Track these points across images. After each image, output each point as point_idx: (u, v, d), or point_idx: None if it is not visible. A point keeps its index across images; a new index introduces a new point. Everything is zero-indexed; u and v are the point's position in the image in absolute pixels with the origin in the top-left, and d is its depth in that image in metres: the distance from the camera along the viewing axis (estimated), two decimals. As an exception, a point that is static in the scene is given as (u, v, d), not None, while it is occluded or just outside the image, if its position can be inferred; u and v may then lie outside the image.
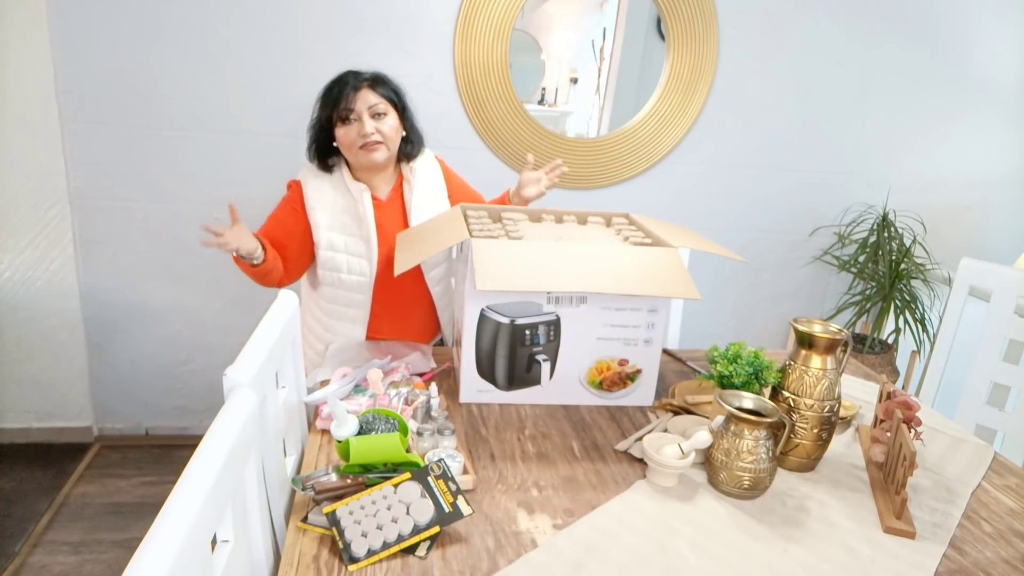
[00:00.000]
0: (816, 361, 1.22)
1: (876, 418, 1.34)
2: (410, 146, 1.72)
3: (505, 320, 1.36)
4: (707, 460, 1.19)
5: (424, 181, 1.75)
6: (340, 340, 1.72)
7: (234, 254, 1.52)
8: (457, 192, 1.82)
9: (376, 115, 1.61)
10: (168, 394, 2.58)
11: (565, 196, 2.59)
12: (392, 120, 1.64)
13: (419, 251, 1.47)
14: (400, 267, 1.41)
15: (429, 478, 1.06)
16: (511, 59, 2.39)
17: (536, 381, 1.43)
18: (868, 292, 2.70)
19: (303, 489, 1.06)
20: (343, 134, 1.61)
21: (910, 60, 2.66)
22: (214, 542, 0.84)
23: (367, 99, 1.60)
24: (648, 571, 0.97)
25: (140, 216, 2.37)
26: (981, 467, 1.34)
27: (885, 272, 2.62)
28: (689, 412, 1.44)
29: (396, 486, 1.05)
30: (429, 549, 0.98)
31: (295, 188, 1.70)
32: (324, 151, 1.68)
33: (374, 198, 1.69)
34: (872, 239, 2.69)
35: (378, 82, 1.64)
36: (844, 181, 2.78)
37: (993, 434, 1.87)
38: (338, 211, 1.66)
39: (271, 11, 2.24)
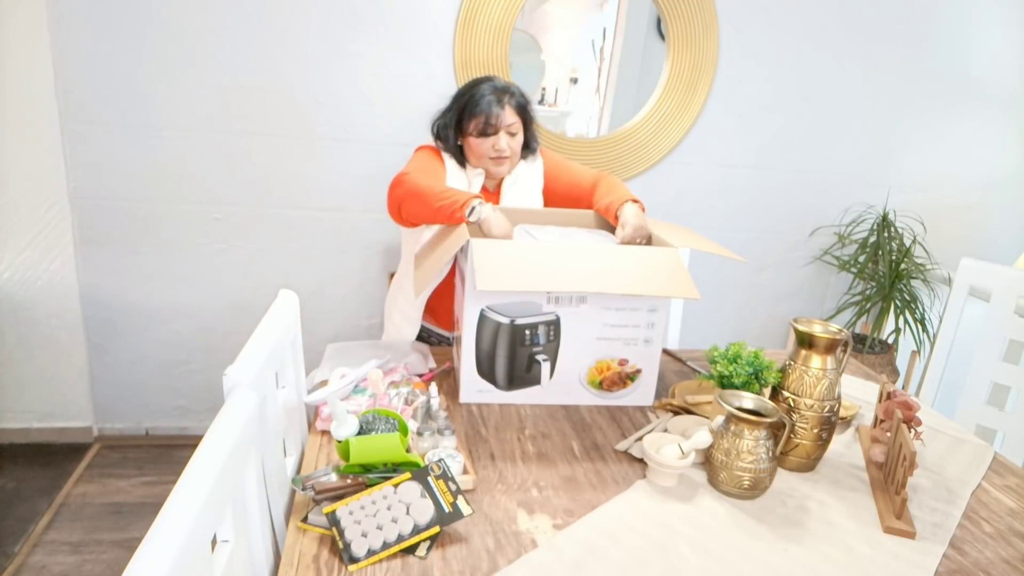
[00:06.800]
0: (816, 361, 1.22)
1: (876, 418, 1.34)
2: (525, 150, 1.80)
3: (505, 320, 1.36)
4: (707, 460, 1.19)
5: (522, 179, 1.80)
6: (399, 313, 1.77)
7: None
8: (553, 182, 1.84)
9: (511, 133, 1.70)
10: (168, 394, 2.58)
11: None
12: (520, 137, 1.73)
13: (431, 269, 1.48)
14: (419, 290, 1.47)
15: (429, 478, 1.06)
16: (511, 59, 2.39)
17: (536, 381, 1.43)
18: (868, 292, 2.70)
19: (303, 489, 1.06)
20: (478, 144, 1.69)
21: (910, 60, 2.66)
22: (214, 542, 0.84)
23: (507, 119, 1.68)
24: (648, 571, 0.97)
25: (140, 216, 2.37)
26: (981, 467, 1.34)
27: (885, 272, 2.62)
28: (689, 412, 1.44)
29: (396, 486, 1.05)
30: (429, 549, 0.98)
31: (436, 152, 1.72)
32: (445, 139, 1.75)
33: (483, 189, 1.77)
34: (872, 239, 2.69)
35: (517, 101, 1.71)
36: (844, 181, 2.78)
37: (993, 434, 1.87)
38: (459, 184, 1.72)
39: (271, 11, 2.24)
